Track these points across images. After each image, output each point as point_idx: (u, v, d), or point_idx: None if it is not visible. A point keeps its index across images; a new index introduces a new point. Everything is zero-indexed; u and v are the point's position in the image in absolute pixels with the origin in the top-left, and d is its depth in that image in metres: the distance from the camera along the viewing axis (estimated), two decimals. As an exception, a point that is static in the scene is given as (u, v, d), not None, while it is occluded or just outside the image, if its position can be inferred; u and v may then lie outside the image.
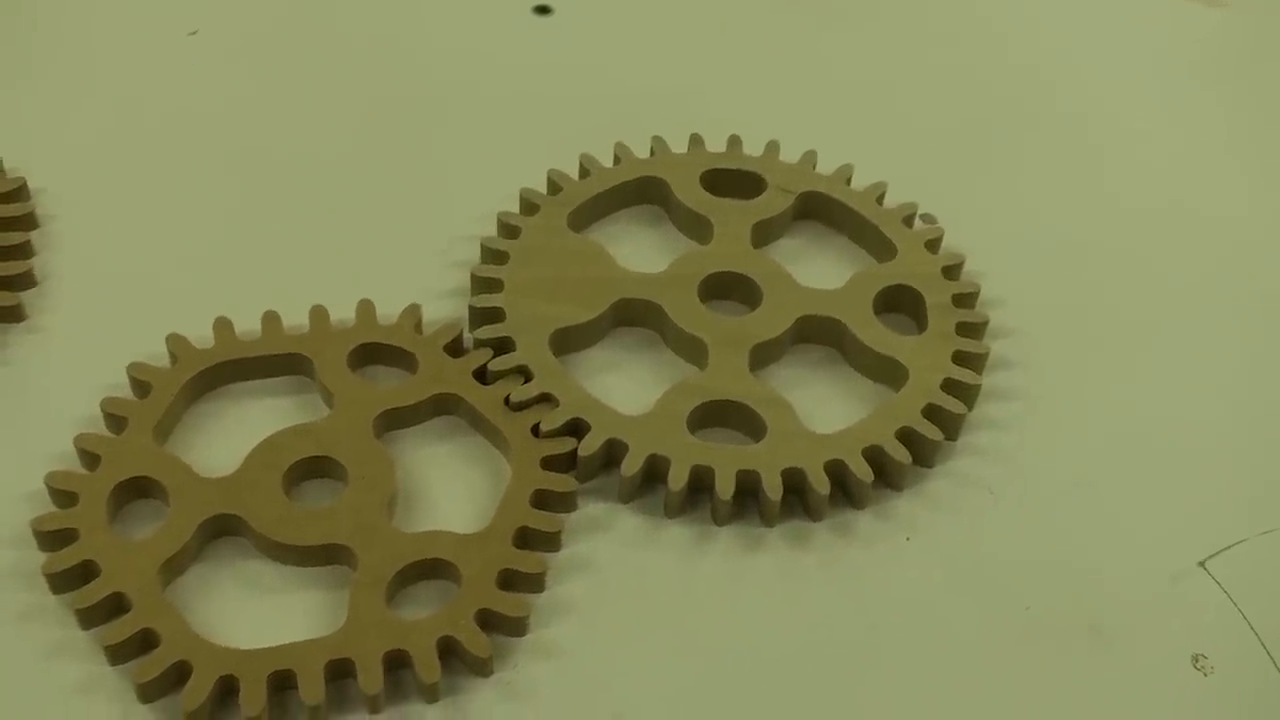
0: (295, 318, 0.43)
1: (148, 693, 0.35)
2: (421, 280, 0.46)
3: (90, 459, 0.39)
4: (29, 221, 0.46)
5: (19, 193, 0.47)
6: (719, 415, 0.42)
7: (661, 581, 0.39)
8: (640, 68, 0.57)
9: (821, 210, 0.49)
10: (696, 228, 0.48)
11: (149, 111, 0.53)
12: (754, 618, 0.38)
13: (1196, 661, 0.38)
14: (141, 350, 0.42)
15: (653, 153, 0.50)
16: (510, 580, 0.37)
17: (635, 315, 0.45)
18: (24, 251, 0.45)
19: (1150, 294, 0.49)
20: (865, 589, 0.39)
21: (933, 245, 0.47)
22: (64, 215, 0.47)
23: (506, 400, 0.41)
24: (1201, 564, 0.40)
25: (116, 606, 0.36)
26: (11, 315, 0.44)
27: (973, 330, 0.45)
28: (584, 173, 0.49)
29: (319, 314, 0.43)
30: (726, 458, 0.40)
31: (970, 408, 0.43)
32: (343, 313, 0.44)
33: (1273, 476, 0.43)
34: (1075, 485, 0.42)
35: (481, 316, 0.44)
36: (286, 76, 0.55)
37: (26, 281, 0.45)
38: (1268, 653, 0.38)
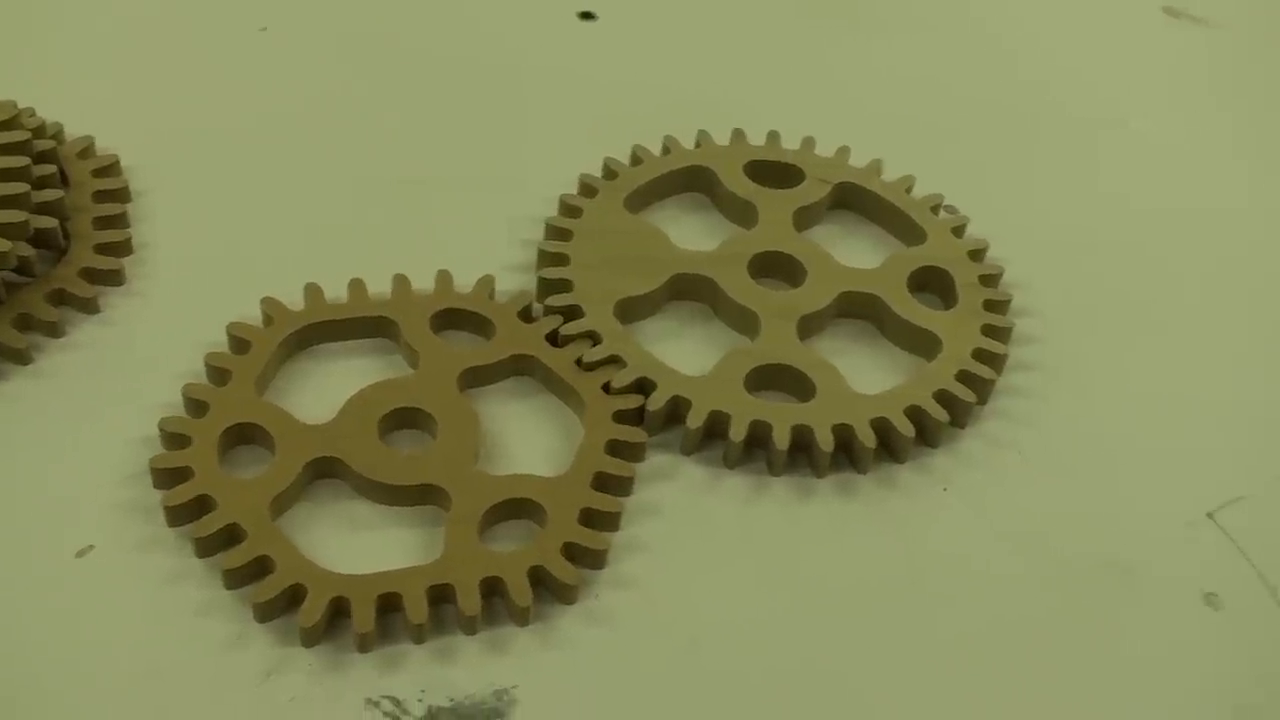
0: (376, 286, 0.47)
1: (264, 613, 0.38)
2: (490, 255, 0.49)
3: (197, 407, 0.42)
4: (123, 195, 0.50)
5: (112, 168, 0.50)
6: (772, 378, 0.46)
7: (724, 525, 0.43)
8: (681, 69, 0.61)
9: (855, 200, 0.53)
10: (741, 213, 0.52)
11: (230, 98, 0.56)
12: (808, 558, 0.42)
13: (1208, 599, 0.42)
14: (231, 313, 0.45)
15: (698, 145, 0.54)
16: (590, 519, 0.41)
17: (690, 289, 0.49)
18: (121, 222, 0.49)
19: (1154, 277, 0.53)
20: (906, 534, 0.43)
21: (958, 232, 0.51)
22: (155, 190, 0.51)
23: (578, 362, 0.45)
24: (1210, 515, 0.44)
25: (231, 537, 0.39)
26: (112, 279, 0.47)
27: (998, 307, 0.49)
28: (636, 161, 0.53)
29: (401, 281, 0.47)
30: (782, 414, 0.44)
31: (998, 375, 0.47)
32: (420, 283, 0.47)
33: (1268, 437, 0.47)
34: (1093, 445, 0.46)
35: (550, 287, 0.47)
36: (361, 71, 0.59)
37: (124, 249, 0.48)
38: (1269, 590, 0.42)
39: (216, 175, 0.52)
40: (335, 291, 0.47)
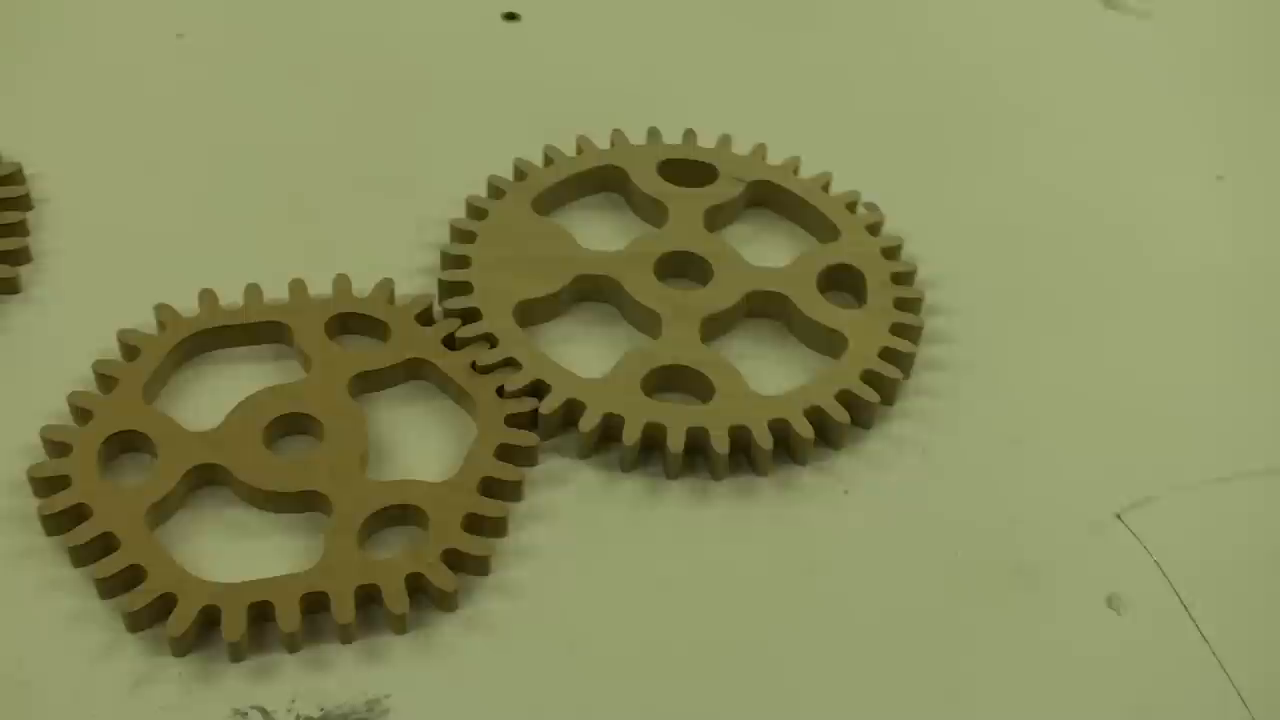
0: (276, 292, 0.46)
1: (135, 622, 0.37)
2: (394, 258, 0.49)
3: (82, 415, 0.42)
4: (24, 203, 0.49)
5: (14, 176, 0.50)
6: (671, 380, 0.45)
7: (617, 530, 0.42)
8: (602, 69, 0.60)
9: (770, 198, 0.52)
10: (653, 213, 0.51)
11: (138, 104, 0.56)
12: (703, 563, 0.41)
13: (1111, 601, 0.41)
14: (129, 321, 0.45)
15: (613, 144, 0.53)
16: (475, 524, 0.40)
17: (594, 290, 0.48)
18: (20, 230, 0.48)
19: (1072, 279, 0.52)
20: (805, 537, 0.42)
21: (874, 229, 0.50)
22: (58, 198, 0.50)
23: (473, 365, 0.44)
24: (1118, 516, 0.43)
25: (107, 545, 0.39)
26: (8, 287, 0.46)
27: (909, 305, 0.48)
28: (548, 161, 0.52)
29: (298, 286, 0.46)
30: (677, 416, 0.43)
31: (907, 375, 0.46)
32: (320, 287, 0.46)
33: (1180, 439, 0.46)
34: (1002, 447, 0.45)
35: (450, 290, 0.47)
36: (269, 75, 0.58)
37: (22, 257, 0.47)
38: (1175, 593, 0.41)
39: (121, 182, 0.52)
40: (234, 297, 0.46)
